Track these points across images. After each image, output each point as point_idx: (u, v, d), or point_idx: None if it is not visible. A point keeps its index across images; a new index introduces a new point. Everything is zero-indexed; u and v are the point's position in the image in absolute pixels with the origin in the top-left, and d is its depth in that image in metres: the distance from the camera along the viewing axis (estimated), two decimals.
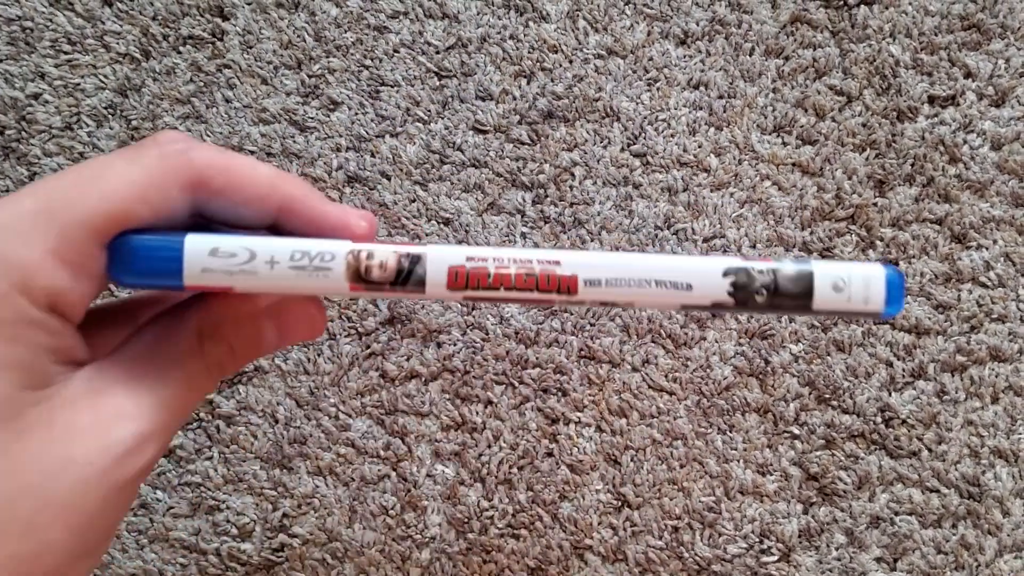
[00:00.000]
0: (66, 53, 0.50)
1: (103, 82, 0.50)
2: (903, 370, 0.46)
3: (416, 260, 0.23)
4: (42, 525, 0.22)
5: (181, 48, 0.50)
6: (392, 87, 0.50)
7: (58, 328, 0.23)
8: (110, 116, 0.50)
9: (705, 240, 0.48)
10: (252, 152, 0.49)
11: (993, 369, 0.46)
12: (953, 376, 0.46)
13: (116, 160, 0.23)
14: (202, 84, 0.50)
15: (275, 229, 0.25)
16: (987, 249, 0.48)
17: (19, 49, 0.50)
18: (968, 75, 0.50)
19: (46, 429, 0.22)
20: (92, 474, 0.22)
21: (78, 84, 0.50)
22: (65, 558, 0.22)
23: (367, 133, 0.49)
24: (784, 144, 0.49)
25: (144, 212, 0.23)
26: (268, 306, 0.26)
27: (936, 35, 0.51)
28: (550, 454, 0.46)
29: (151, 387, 0.24)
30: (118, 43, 0.50)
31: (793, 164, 0.49)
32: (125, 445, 0.23)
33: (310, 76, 0.50)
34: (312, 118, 0.49)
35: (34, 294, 0.22)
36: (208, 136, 0.49)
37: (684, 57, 0.50)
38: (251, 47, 0.50)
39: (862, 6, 0.50)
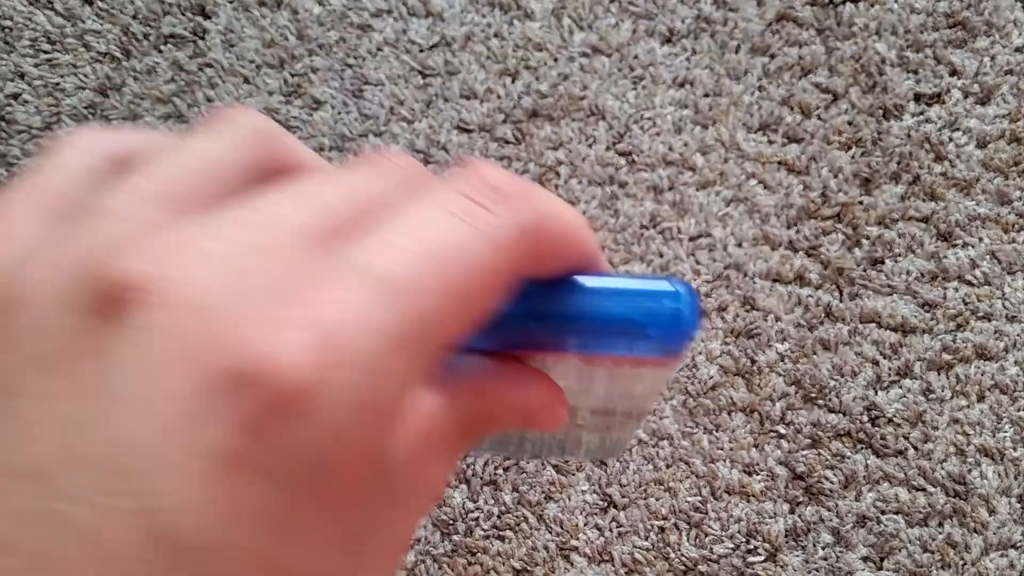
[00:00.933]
0: (46, 52, 0.49)
1: (83, 81, 0.49)
2: (889, 368, 0.46)
3: None
4: None
5: (162, 47, 0.49)
6: (376, 86, 0.49)
7: None
8: (90, 116, 0.49)
9: (691, 239, 0.47)
10: None
11: (979, 367, 0.46)
12: (939, 374, 0.46)
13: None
14: (184, 83, 0.49)
15: None
16: (973, 247, 0.48)
17: None
18: (953, 73, 0.50)
19: None
20: None
21: (58, 84, 0.49)
22: None
23: (350, 132, 0.48)
24: (770, 142, 0.49)
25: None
26: None
27: (922, 33, 0.50)
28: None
29: None
30: (98, 42, 0.49)
31: (779, 162, 0.48)
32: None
33: (293, 75, 0.49)
34: (295, 117, 0.49)
35: None
36: None
37: (669, 55, 0.50)
38: (233, 46, 0.49)
39: (848, 4, 0.50)
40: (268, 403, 0.12)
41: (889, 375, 0.46)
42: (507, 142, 0.48)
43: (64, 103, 0.49)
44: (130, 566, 0.12)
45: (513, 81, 0.49)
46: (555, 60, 0.49)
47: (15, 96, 0.49)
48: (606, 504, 0.45)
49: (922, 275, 0.47)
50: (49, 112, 0.49)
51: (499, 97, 0.49)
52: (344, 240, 0.14)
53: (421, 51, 0.49)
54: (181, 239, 0.13)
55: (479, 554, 0.44)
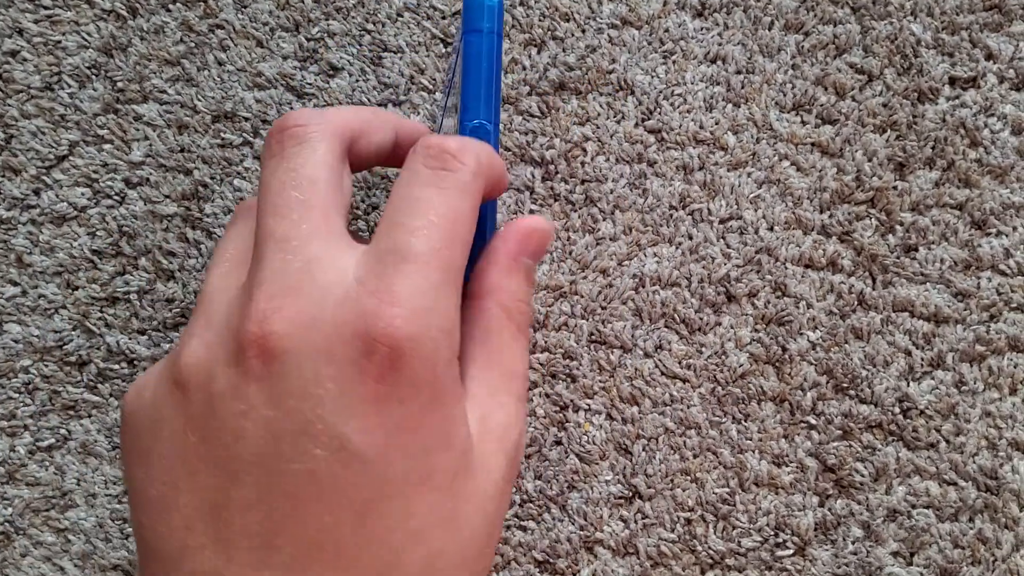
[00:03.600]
0: (46, 8, 0.44)
1: (86, 40, 0.44)
2: (922, 359, 0.42)
3: None
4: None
5: (171, 6, 0.44)
6: (395, 53, 0.44)
7: None
8: (94, 77, 0.44)
9: (721, 221, 0.43)
10: (247, 119, 0.43)
11: (1012, 359, 0.42)
12: (972, 366, 0.42)
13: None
14: (193, 45, 0.44)
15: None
16: (1007, 236, 0.44)
17: None
18: (989, 57, 0.46)
19: (477, 469, 0.24)
20: (499, 493, 0.24)
21: (59, 42, 0.44)
22: None
23: (369, 101, 0.44)
24: (803, 123, 0.44)
25: None
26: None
27: (958, 15, 0.46)
28: (558, 442, 0.41)
29: (505, 382, 0.25)
30: None
31: (812, 144, 0.44)
32: (514, 452, 0.25)
33: (308, 39, 0.44)
34: (310, 84, 0.44)
35: (458, 351, 0.24)
36: (200, 100, 0.43)
37: (701, 29, 0.45)
38: (245, 6, 0.44)
39: None
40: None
41: (922, 366, 0.42)
42: (532, 115, 0.44)
43: (65, 62, 0.44)
44: None
45: (539, 52, 0.45)
46: (583, 31, 0.45)
47: (13, 53, 0.43)
48: (631, 495, 0.41)
49: (956, 264, 0.43)
50: (49, 72, 0.43)
51: (524, 68, 0.44)
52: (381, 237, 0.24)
53: (443, 17, 0.45)
54: None
55: (499, 545, 0.40)
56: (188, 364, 0.22)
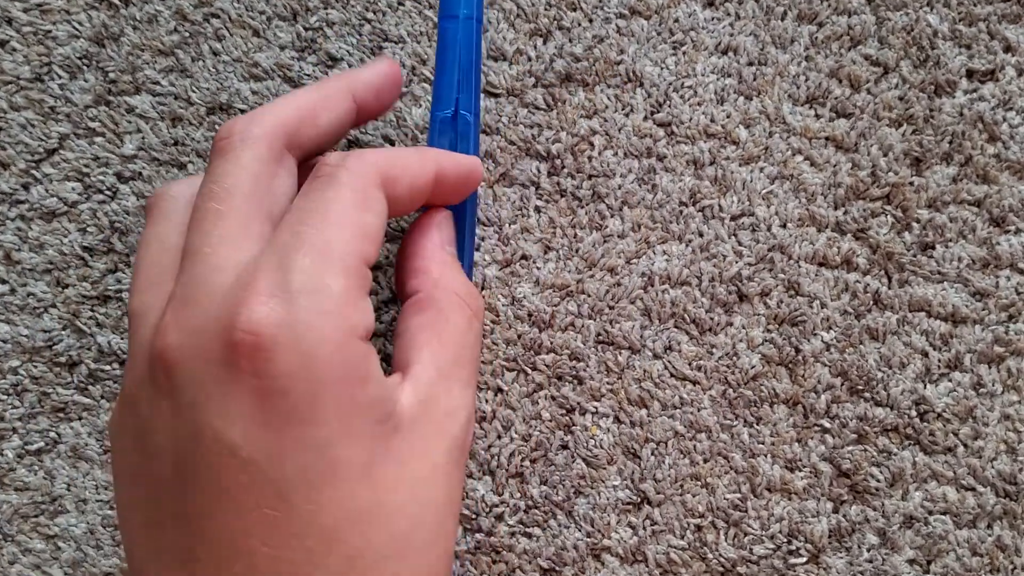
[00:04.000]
0: None
1: (77, 30, 0.42)
2: (939, 360, 0.41)
3: None
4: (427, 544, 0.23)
5: None
6: (396, 43, 0.43)
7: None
8: (85, 67, 0.42)
9: (733, 218, 0.42)
10: (243, 111, 0.42)
11: None
12: (990, 368, 0.41)
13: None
14: (187, 34, 0.42)
15: None
16: None
17: None
18: (1008, 49, 0.44)
19: (406, 454, 0.22)
20: (443, 477, 0.23)
21: (49, 31, 0.42)
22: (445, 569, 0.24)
23: None
24: (817, 116, 0.43)
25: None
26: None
27: (975, 5, 0.44)
28: (565, 446, 0.40)
29: (455, 368, 0.25)
30: None
31: (827, 138, 0.43)
32: (461, 435, 0.24)
33: (306, 28, 0.42)
34: (308, 75, 0.42)
35: (360, 332, 0.22)
36: (194, 91, 0.42)
37: (712, 19, 0.43)
38: None
39: None
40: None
41: (939, 367, 0.41)
42: (537, 108, 0.42)
43: (56, 52, 0.42)
44: None
45: (545, 42, 0.43)
46: (590, 21, 0.43)
47: (2, 43, 0.42)
48: (640, 500, 0.39)
49: (973, 262, 0.42)
50: (39, 62, 0.42)
51: (529, 59, 0.43)
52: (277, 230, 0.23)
53: None
54: None
55: (504, 552, 0.38)
56: (126, 386, 0.23)
